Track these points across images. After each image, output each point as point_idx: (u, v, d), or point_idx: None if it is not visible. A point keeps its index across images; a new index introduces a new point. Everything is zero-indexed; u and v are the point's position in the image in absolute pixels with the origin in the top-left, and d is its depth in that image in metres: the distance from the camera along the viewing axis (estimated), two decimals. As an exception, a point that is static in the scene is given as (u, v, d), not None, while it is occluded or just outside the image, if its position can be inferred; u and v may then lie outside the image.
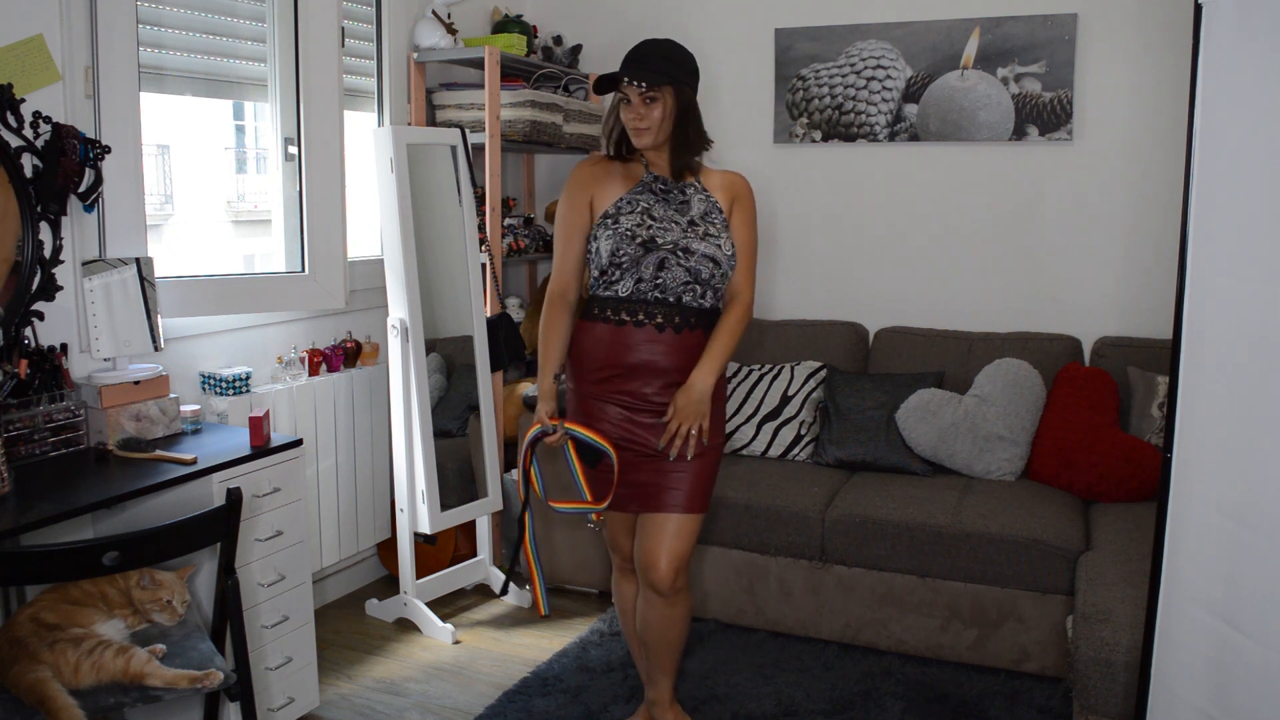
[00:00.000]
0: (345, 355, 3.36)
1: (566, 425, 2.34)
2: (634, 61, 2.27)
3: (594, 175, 2.39)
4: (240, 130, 3.43)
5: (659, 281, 2.29)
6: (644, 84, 2.25)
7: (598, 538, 3.44)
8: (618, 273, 2.31)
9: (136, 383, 2.54)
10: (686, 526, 2.36)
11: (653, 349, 2.31)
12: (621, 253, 2.29)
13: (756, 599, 3.22)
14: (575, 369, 2.41)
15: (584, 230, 2.38)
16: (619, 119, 2.35)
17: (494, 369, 3.54)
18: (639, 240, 2.29)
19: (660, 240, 2.29)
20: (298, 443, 2.62)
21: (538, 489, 2.38)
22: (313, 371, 3.24)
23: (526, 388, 3.74)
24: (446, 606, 3.45)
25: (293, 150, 3.23)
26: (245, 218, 3.89)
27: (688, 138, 2.33)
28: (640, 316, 2.31)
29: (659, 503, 2.36)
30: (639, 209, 2.32)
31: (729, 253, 2.32)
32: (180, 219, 3.41)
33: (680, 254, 2.29)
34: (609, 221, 2.33)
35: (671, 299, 2.30)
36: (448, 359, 3.58)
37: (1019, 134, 3.66)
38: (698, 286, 2.30)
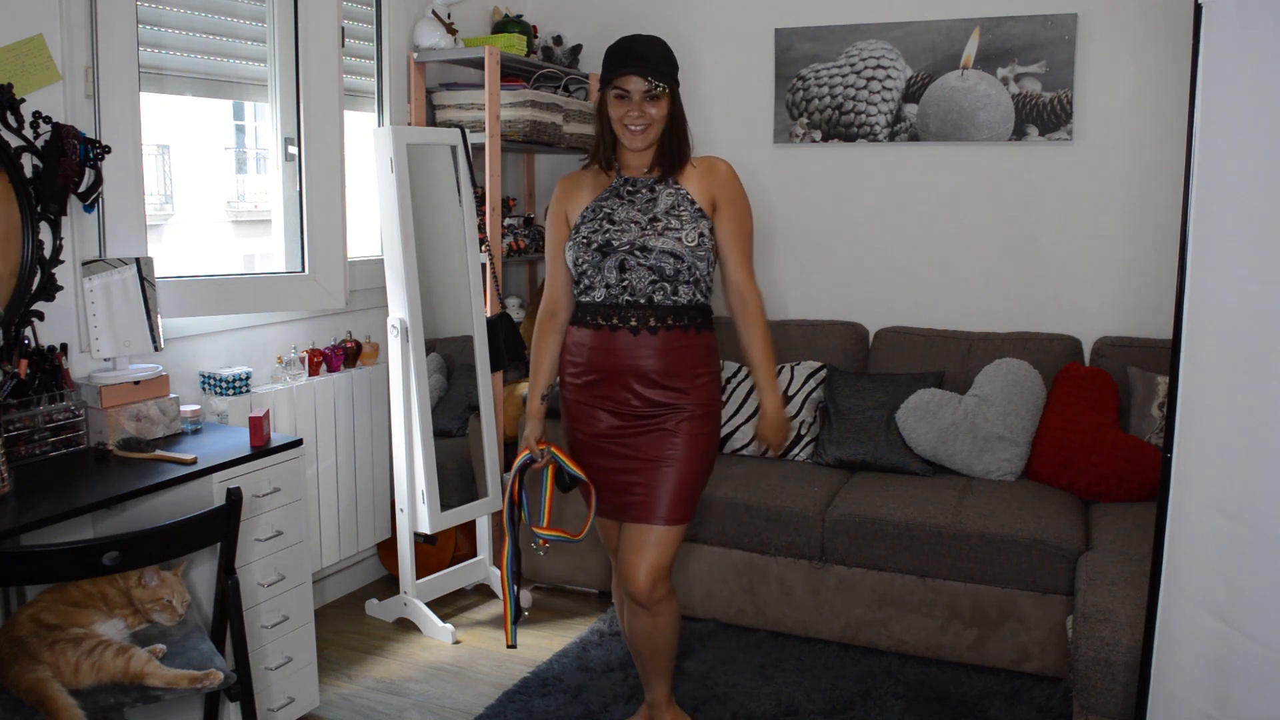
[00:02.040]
0: (345, 355, 3.36)
1: (553, 450, 2.36)
2: (641, 59, 2.24)
3: (567, 190, 2.41)
4: (240, 130, 3.43)
5: (625, 284, 2.28)
6: (659, 83, 2.23)
7: (598, 538, 3.44)
8: (586, 280, 2.32)
9: (136, 383, 2.54)
10: (667, 537, 2.34)
11: (635, 353, 2.29)
12: (581, 260, 2.30)
13: (756, 599, 3.22)
14: (562, 375, 2.42)
15: (564, 235, 2.39)
16: (607, 123, 2.32)
17: (494, 369, 3.54)
18: (594, 246, 2.29)
19: (616, 243, 2.28)
20: (298, 443, 2.62)
21: (524, 517, 2.40)
22: (313, 371, 3.24)
23: (526, 388, 3.74)
24: (446, 606, 3.45)
25: (293, 150, 3.23)
26: (245, 218, 3.89)
27: (679, 139, 2.32)
28: (615, 320, 2.30)
29: (642, 512, 2.34)
30: (600, 215, 2.32)
31: (691, 244, 2.27)
32: (180, 219, 3.41)
33: (639, 253, 2.26)
34: (573, 232, 2.34)
35: (643, 300, 2.28)
36: (448, 359, 3.58)
37: (1019, 134, 3.66)
38: (665, 284, 2.28)
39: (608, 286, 2.29)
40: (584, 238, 2.31)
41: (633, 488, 2.35)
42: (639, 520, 2.34)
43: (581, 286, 2.34)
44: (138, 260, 2.59)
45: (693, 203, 2.31)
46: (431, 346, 3.41)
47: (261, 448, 2.51)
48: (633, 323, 2.29)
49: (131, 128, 2.63)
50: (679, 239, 2.27)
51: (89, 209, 2.54)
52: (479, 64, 3.61)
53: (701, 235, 2.29)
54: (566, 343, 2.40)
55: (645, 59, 2.24)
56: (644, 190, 2.34)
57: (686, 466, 2.33)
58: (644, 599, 2.35)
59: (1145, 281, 3.54)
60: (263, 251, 3.40)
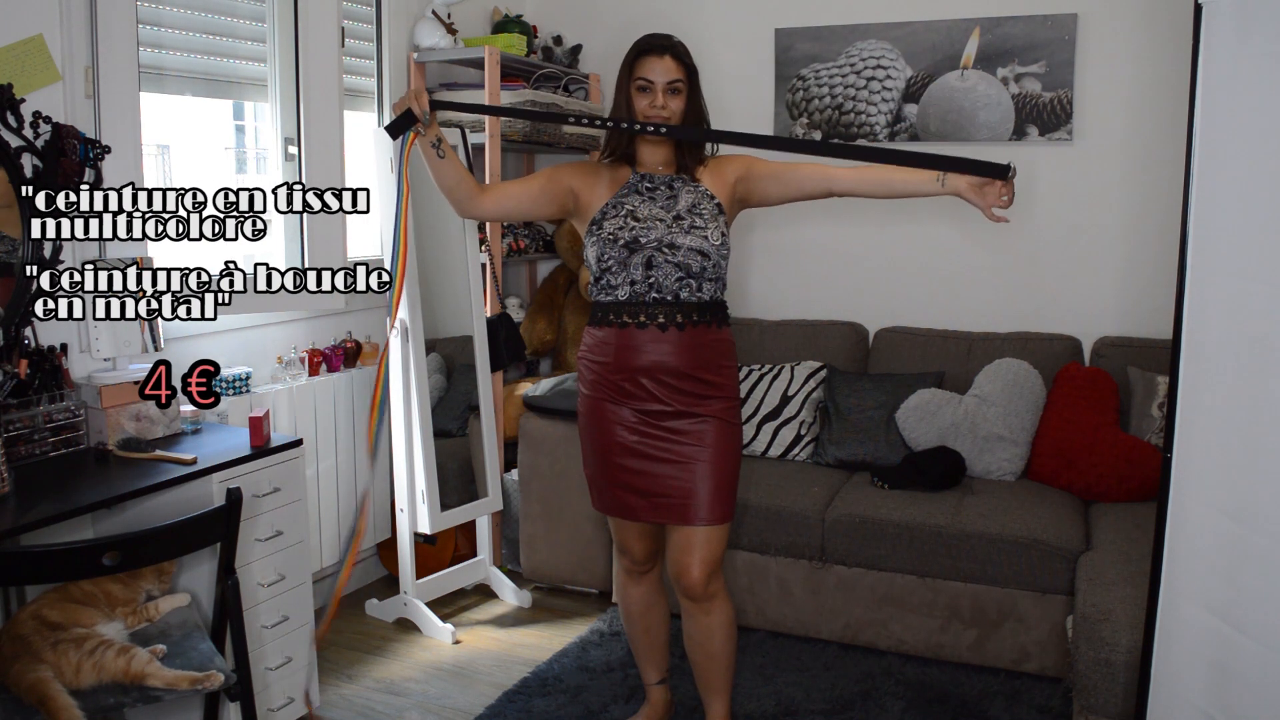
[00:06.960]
0: (345, 355, 3.36)
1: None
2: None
3: (585, 174, 2.39)
4: (240, 130, 3.43)
5: (651, 281, 2.28)
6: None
7: (599, 537, 3.44)
8: (610, 277, 2.31)
9: (136, 383, 2.54)
10: (715, 534, 2.35)
11: (659, 349, 2.29)
12: (607, 257, 2.29)
13: (756, 599, 3.22)
14: (586, 375, 2.40)
15: (546, 189, 2.37)
16: (629, 113, 2.33)
17: (494, 369, 3.54)
18: (621, 243, 2.28)
19: (644, 240, 2.28)
20: (298, 443, 2.62)
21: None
22: (313, 371, 3.24)
23: (526, 388, 3.74)
24: (446, 606, 3.45)
25: (293, 150, 3.23)
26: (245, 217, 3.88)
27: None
28: (641, 318, 2.29)
29: (683, 514, 2.33)
30: (623, 212, 2.32)
31: (716, 242, 2.30)
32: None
33: (666, 250, 2.27)
34: (594, 228, 2.33)
35: (669, 297, 2.28)
36: (448, 359, 3.58)
37: (1019, 134, 3.66)
38: (691, 281, 2.29)
39: (632, 283, 2.29)
40: (610, 234, 2.29)
41: (667, 489, 2.33)
42: (681, 522, 2.33)
43: (602, 285, 2.33)
44: (138, 260, 2.59)
45: (712, 198, 2.34)
46: (431, 346, 3.40)
47: (261, 448, 2.51)
48: (660, 320, 2.28)
49: (131, 128, 2.63)
50: (705, 237, 2.29)
51: (89, 209, 2.53)
52: (479, 64, 3.61)
53: (723, 234, 2.32)
54: (588, 344, 2.39)
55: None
56: (663, 187, 2.35)
57: (720, 463, 2.33)
58: (699, 592, 2.35)
59: (1145, 281, 3.54)
60: (263, 251, 3.39)
